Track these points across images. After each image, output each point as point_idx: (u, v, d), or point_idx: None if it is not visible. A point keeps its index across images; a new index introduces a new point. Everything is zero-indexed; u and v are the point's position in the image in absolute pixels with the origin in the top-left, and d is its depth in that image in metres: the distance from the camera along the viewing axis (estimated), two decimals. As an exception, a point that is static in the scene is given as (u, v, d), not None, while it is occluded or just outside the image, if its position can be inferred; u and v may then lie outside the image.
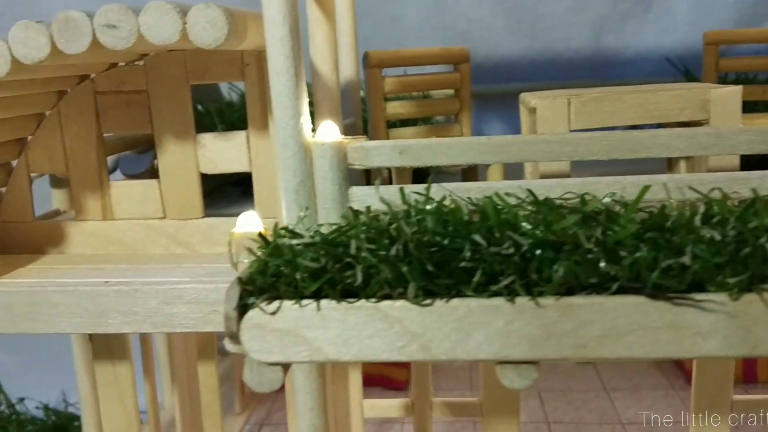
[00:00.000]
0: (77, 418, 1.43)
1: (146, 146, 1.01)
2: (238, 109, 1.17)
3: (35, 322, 0.65)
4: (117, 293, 0.64)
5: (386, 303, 0.47)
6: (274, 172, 0.78)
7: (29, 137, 0.81)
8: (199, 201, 0.80)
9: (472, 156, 0.59)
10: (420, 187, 0.53)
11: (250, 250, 0.49)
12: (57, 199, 1.00)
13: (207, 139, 0.78)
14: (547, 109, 0.66)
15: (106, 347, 0.81)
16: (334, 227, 0.48)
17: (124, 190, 0.81)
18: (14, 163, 0.83)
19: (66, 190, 1.00)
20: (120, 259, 0.78)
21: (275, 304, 0.48)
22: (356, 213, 0.50)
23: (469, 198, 0.53)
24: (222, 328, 0.64)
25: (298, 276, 0.47)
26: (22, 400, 1.47)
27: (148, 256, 0.79)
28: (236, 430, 1.30)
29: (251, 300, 0.48)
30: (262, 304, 0.48)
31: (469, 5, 1.43)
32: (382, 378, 1.43)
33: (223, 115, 1.08)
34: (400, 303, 0.47)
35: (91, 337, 0.82)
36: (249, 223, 0.64)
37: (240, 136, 0.78)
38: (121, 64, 0.78)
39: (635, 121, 0.67)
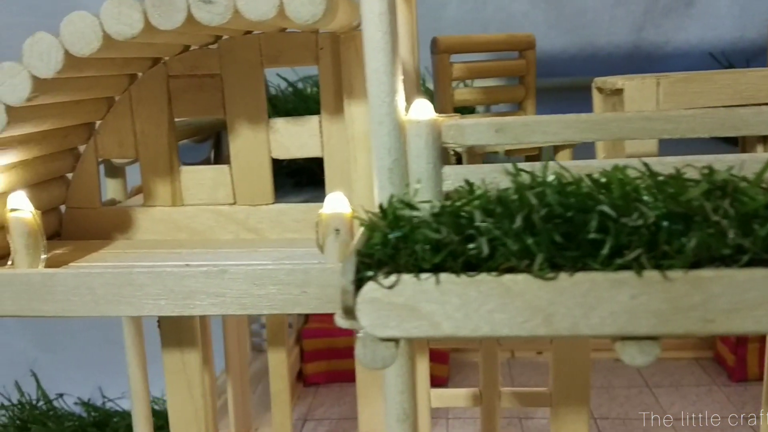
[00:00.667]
0: (117, 414, 1.42)
1: (204, 135, 1.01)
2: (291, 98, 1.16)
3: (118, 304, 0.64)
4: (205, 275, 0.63)
5: (508, 276, 0.46)
6: (346, 157, 0.77)
7: (98, 122, 0.81)
8: (270, 187, 0.79)
9: (570, 134, 0.58)
10: (527, 166, 0.53)
11: (369, 222, 0.49)
12: (112, 188, 0.99)
13: (279, 123, 0.78)
14: (635, 90, 0.65)
15: (175, 334, 0.81)
16: (456, 199, 0.48)
17: (194, 176, 0.80)
18: (81, 148, 0.82)
19: (121, 180, 0.99)
20: (190, 244, 0.78)
21: (393, 277, 0.47)
22: (472, 186, 0.50)
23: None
24: (306, 309, 0.63)
25: (418, 248, 0.46)
26: (60, 396, 1.46)
27: (218, 242, 0.79)
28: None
29: (369, 273, 0.47)
30: (380, 278, 0.47)
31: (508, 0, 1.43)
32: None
33: (275, 104, 1.08)
34: (522, 276, 0.46)
35: (160, 324, 0.81)
36: (337, 203, 0.63)
37: (313, 120, 0.78)
38: (193, 47, 0.78)
39: (724, 102, 0.66)
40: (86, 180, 0.81)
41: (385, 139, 0.59)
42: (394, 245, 0.47)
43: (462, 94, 0.86)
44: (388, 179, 0.59)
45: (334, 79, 0.76)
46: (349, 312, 0.49)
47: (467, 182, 0.50)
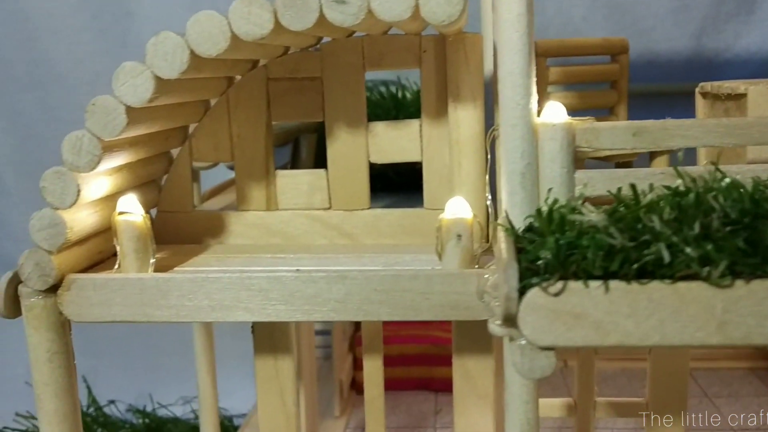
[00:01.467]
0: (170, 420, 1.41)
1: (284, 141, 1.00)
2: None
3: (236, 310, 0.63)
4: (326, 280, 0.62)
5: (682, 284, 0.45)
6: (446, 162, 0.76)
7: (192, 126, 0.80)
8: (366, 191, 0.78)
9: (711, 138, 0.57)
10: (691, 170, 0.51)
11: (532, 229, 0.47)
12: (189, 193, 0.98)
13: (379, 127, 0.77)
14: (760, 95, 0.64)
15: (268, 341, 0.79)
16: (630, 204, 0.46)
17: (289, 180, 0.79)
18: (174, 152, 0.81)
19: (195, 185, 0.98)
20: (286, 249, 0.77)
21: (560, 284, 0.46)
22: (635, 190, 0.48)
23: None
24: (428, 316, 0.62)
25: (590, 254, 0.45)
26: (112, 402, 1.45)
27: (313, 247, 0.78)
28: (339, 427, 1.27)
29: (534, 280, 0.46)
30: (545, 285, 0.46)
31: (568, 4, 1.42)
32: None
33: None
34: (696, 284, 0.45)
35: (253, 329, 0.80)
36: (458, 208, 0.62)
37: (413, 124, 0.76)
38: (293, 50, 0.77)
39: None
40: (179, 183, 0.80)
41: (518, 143, 0.58)
42: (563, 251, 0.45)
43: (557, 98, 0.85)
44: (519, 184, 0.58)
45: (437, 83, 0.75)
46: (511, 320, 0.48)
47: (632, 187, 0.49)
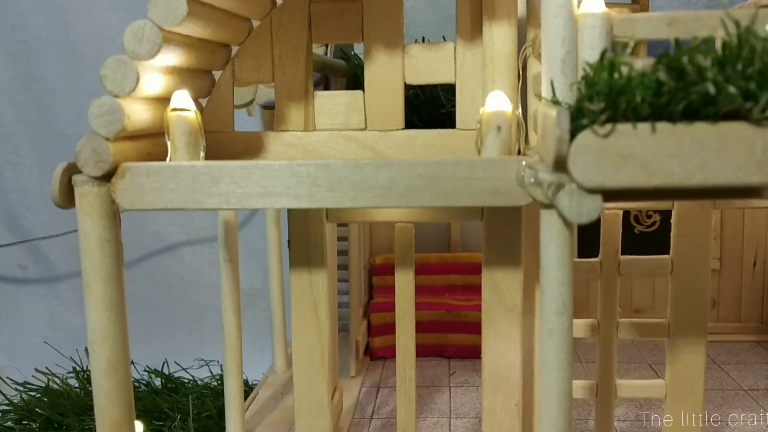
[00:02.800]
0: (187, 381, 1.42)
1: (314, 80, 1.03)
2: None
3: (285, 196, 0.66)
4: (372, 167, 0.65)
5: (725, 124, 0.48)
6: (479, 83, 0.80)
7: (235, 47, 0.83)
8: (401, 112, 0.81)
9: (741, 27, 0.60)
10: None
11: (585, 73, 0.51)
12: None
13: (415, 49, 0.80)
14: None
15: (304, 254, 0.82)
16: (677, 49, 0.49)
17: (327, 101, 0.82)
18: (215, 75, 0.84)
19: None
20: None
21: (609, 126, 0.49)
22: (677, 43, 0.52)
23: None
24: (469, 201, 0.65)
25: (638, 94, 0.48)
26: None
27: (350, 164, 0.80)
28: (355, 391, 1.29)
29: (584, 121, 0.49)
30: (595, 126, 0.49)
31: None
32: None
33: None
34: (739, 123, 0.48)
35: (290, 243, 0.83)
36: (498, 102, 0.65)
37: (448, 46, 0.80)
38: (335, -26, 0.80)
39: None
40: (221, 104, 0.83)
41: (559, 31, 0.61)
42: (613, 92, 0.49)
43: None
44: (560, 70, 0.62)
45: (471, 4, 0.78)
46: (561, 162, 0.51)
47: (675, 42, 0.52)
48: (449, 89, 1.04)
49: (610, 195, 0.51)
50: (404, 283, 0.82)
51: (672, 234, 0.83)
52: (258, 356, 1.49)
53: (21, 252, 1.67)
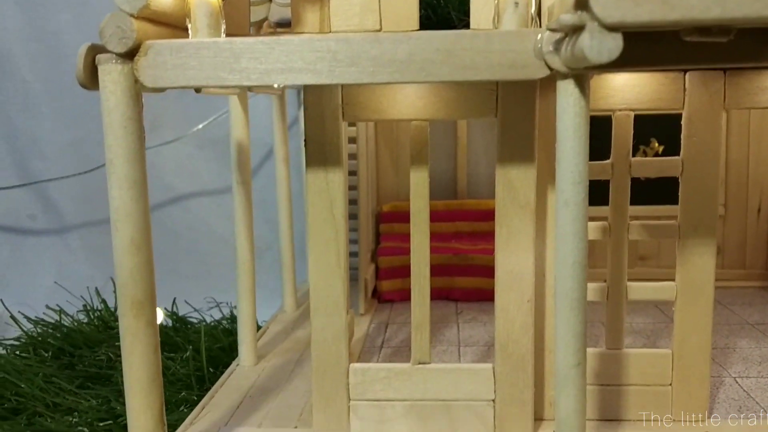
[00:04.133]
0: (197, 321, 1.43)
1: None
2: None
3: (306, 72, 0.67)
4: (392, 40, 0.66)
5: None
6: (493, -17, 0.81)
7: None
8: (416, 12, 0.82)
9: None
10: None
11: None
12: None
13: (430, -51, 0.82)
14: None
15: (320, 154, 0.83)
16: None
17: (342, 2, 0.83)
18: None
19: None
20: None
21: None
22: None
23: None
24: (486, 75, 0.66)
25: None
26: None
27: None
28: (365, 326, 1.30)
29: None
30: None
31: None
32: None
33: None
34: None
35: (306, 143, 0.84)
36: (515, -20, 0.66)
37: (462, -54, 0.81)
38: None
39: None
40: (238, 6, 0.84)
41: None
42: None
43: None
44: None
45: None
46: (583, 1, 0.52)
47: None
48: (460, 8, 1.05)
49: (629, 38, 0.52)
50: (419, 180, 0.83)
51: (682, 135, 0.84)
52: (268, 300, 1.50)
53: (31, 201, 1.68)
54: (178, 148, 1.68)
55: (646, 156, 1.56)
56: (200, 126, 1.58)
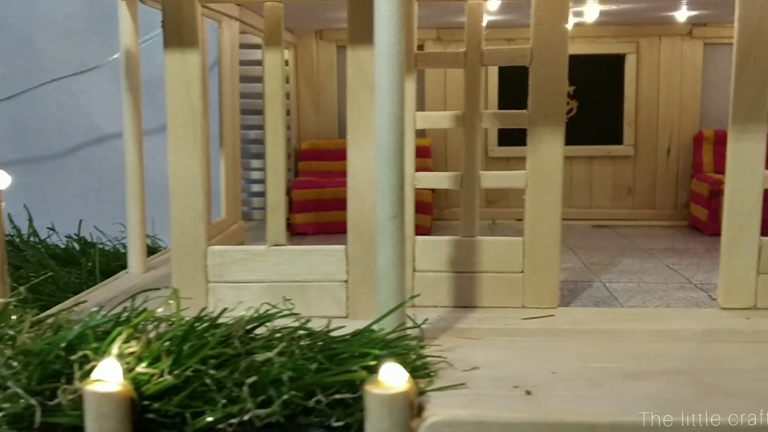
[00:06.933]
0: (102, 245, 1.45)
1: None
2: None
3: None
4: None
5: None
6: None
7: None
8: None
9: None
10: None
11: None
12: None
13: None
14: None
15: (176, 34, 0.85)
16: None
17: None
18: None
19: None
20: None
21: None
22: None
23: None
24: None
25: None
26: (51, 229, 1.48)
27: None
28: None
29: None
30: None
31: None
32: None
33: None
34: None
35: (163, 23, 0.86)
36: None
37: None
38: None
39: None
40: None
41: None
42: None
43: None
44: None
45: None
46: None
47: None
48: None
49: None
50: (273, 62, 0.86)
51: (531, 24, 0.87)
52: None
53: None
54: (105, 88, 1.69)
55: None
56: (116, 55, 1.59)
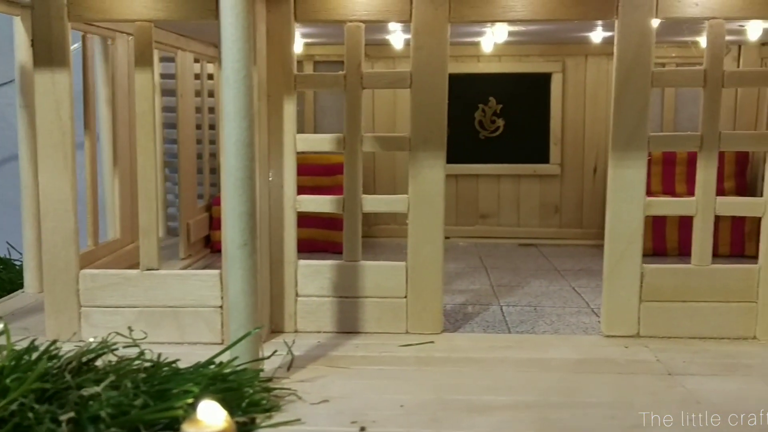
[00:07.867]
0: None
1: None
2: None
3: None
4: None
5: None
6: None
7: None
8: None
9: None
10: None
11: None
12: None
13: None
14: None
15: (47, 55, 0.83)
16: None
17: None
18: None
19: None
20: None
21: None
22: None
23: None
24: None
25: None
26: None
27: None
28: (180, 267, 1.30)
29: None
30: None
31: None
32: (327, 243, 1.46)
33: None
34: None
35: (33, 43, 0.84)
36: None
37: None
38: None
39: None
40: None
41: None
42: None
43: None
44: None
45: None
46: None
47: None
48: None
49: None
50: (143, 82, 0.84)
51: (411, 47, 0.86)
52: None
53: None
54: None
55: (485, 115, 1.58)
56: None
